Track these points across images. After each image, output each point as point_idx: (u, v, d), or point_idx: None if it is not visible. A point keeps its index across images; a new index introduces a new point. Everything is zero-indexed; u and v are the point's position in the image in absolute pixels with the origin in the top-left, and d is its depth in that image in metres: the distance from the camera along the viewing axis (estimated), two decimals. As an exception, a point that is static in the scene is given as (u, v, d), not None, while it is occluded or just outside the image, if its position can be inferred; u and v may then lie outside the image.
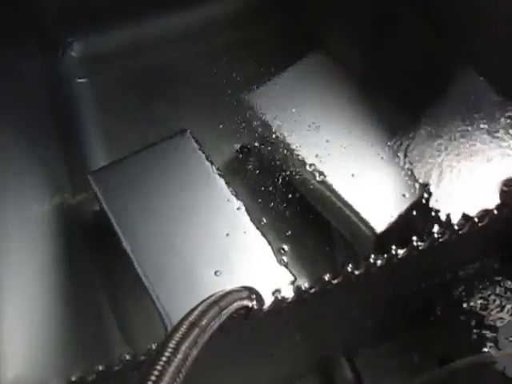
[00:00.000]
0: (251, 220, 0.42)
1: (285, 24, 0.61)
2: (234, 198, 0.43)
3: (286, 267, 0.40)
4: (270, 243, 0.41)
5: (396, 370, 0.39)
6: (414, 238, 0.27)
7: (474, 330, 0.40)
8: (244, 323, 0.27)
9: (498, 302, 0.40)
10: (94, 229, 0.44)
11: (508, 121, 0.45)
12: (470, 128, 0.46)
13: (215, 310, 0.22)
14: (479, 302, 0.40)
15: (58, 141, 0.49)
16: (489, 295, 0.40)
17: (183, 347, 0.19)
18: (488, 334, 0.39)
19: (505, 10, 0.45)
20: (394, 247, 0.27)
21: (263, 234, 0.41)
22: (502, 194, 0.34)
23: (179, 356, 0.19)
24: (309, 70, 0.50)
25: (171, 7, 0.60)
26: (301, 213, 0.47)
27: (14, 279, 0.31)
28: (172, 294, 0.38)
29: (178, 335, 0.19)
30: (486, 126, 0.45)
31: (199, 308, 0.22)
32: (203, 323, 0.21)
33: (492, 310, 0.40)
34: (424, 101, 0.49)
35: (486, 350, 0.36)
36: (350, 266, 0.26)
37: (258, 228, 0.41)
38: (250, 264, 0.40)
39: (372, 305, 0.33)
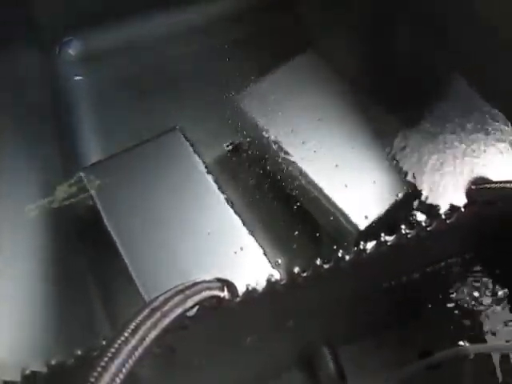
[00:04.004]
0: (239, 217, 0.43)
1: (280, 24, 0.62)
2: (223, 195, 0.44)
3: (272, 264, 0.41)
4: (256, 240, 0.41)
5: (379, 364, 0.40)
6: (382, 233, 0.29)
7: (453, 325, 0.41)
8: (219, 314, 0.28)
9: (475, 298, 0.41)
10: (85, 223, 0.46)
11: (495, 129, 0.45)
12: (458, 134, 0.46)
13: (179, 298, 0.23)
14: (458, 297, 0.41)
15: (52, 137, 0.51)
16: (467, 291, 0.42)
17: (142, 328, 0.20)
18: (465, 328, 0.41)
19: (496, 20, 0.45)
20: (362, 242, 0.28)
21: (250, 231, 0.42)
22: (471, 191, 0.35)
23: (137, 337, 0.20)
24: (299, 69, 0.51)
25: (168, 7, 0.61)
26: (289, 210, 0.48)
27: (3, 267, 0.32)
28: (159, 288, 0.39)
29: (139, 318, 0.21)
30: (474, 134, 0.46)
31: (164, 295, 0.23)
32: (165, 309, 0.22)
33: (470, 306, 0.41)
34: (414, 105, 0.49)
35: (460, 343, 0.37)
36: (319, 259, 0.27)
37: (245, 225, 0.42)
38: (236, 260, 0.41)
39: (346, 299, 0.34)
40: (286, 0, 0.62)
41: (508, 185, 0.29)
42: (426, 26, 0.54)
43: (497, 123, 0.45)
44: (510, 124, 0.46)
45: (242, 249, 0.41)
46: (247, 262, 0.41)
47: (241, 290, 0.29)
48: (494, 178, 0.39)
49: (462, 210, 0.29)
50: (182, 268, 0.40)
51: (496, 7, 0.43)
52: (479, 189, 0.34)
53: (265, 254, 0.41)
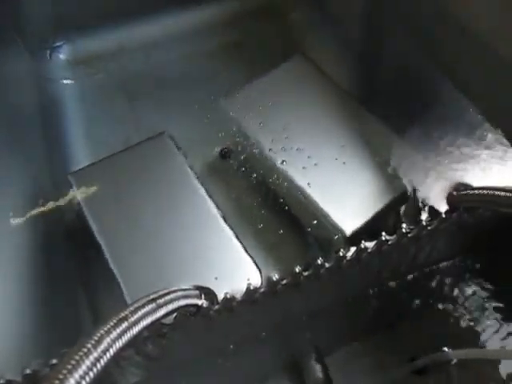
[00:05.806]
0: (227, 222, 0.42)
1: (270, 29, 0.62)
2: (210, 200, 0.44)
3: (258, 268, 0.41)
4: (243, 245, 0.41)
5: (365, 369, 0.40)
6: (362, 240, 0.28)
7: (439, 330, 0.41)
8: (198, 321, 0.28)
9: (464, 303, 0.41)
10: (73, 227, 0.46)
11: (484, 135, 0.45)
12: (447, 140, 0.46)
13: (150, 307, 0.23)
14: (444, 302, 0.41)
15: (41, 141, 0.51)
16: (453, 296, 0.41)
17: (107, 339, 0.20)
18: (451, 333, 0.41)
19: (486, 26, 0.45)
20: (341, 250, 0.28)
21: (238, 236, 0.42)
22: (451, 197, 0.35)
23: (99, 349, 0.19)
24: (288, 74, 0.51)
25: (157, 11, 0.61)
26: (277, 215, 0.48)
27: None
28: (144, 291, 0.39)
29: (105, 328, 0.20)
30: (463, 140, 0.46)
31: (134, 304, 0.23)
32: (133, 319, 0.21)
33: (456, 311, 0.41)
34: (404, 111, 0.49)
35: (444, 349, 0.37)
36: (298, 267, 0.27)
37: (233, 230, 0.42)
38: (223, 265, 0.40)
39: (329, 306, 0.34)
40: (276, 5, 0.62)
41: (488, 191, 0.29)
42: (418, 32, 0.54)
43: (486, 129, 0.45)
44: (500, 131, 0.45)
45: (228, 254, 0.41)
46: (233, 267, 0.40)
47: (220, 297, 0.29)
48: (484, 184, 0.39)
49: (443, 216, 0.29)
50: (167, 272, 0.40)
51: (483, 15, 0.43)
52: (460, 195, 0.34)
53: (252, 259, 0.41)
